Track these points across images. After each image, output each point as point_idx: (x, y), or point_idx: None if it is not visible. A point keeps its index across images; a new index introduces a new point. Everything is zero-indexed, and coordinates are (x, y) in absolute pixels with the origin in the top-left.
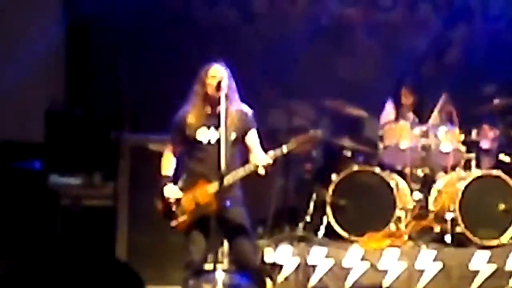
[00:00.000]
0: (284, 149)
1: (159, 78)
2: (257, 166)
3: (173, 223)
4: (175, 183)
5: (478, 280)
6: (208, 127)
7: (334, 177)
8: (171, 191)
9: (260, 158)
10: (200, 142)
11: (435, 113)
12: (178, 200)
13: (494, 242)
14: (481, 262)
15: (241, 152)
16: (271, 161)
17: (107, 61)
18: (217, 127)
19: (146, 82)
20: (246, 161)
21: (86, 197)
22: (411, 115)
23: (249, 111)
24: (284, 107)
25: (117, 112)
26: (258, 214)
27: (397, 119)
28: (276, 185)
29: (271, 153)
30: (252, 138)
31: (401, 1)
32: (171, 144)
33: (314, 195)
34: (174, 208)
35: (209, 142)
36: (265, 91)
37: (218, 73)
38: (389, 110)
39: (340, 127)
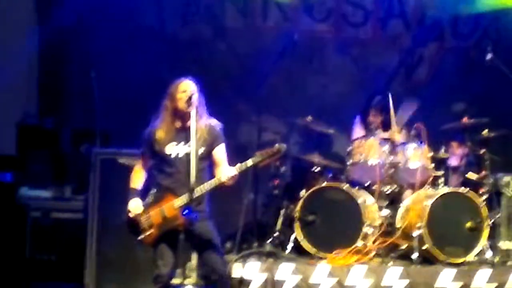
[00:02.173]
0: (250, 162)
1: (131, 93)
2: (222, 181)
3: (140, 236)
4: (145, 197)
5: None
6: (177, 142)
7: (302, 193)
8: (133, 206)
9: (225, 172)
10: (169, 156)
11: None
12: (144, 214)
13: (461, 260)
14: (447, 280)
15: (210, 167)
16: (236, 174)
17: (80, 75)
18: (186, 141)
19: (118, 96)
20: (214, 175)
21: (56, 210)
22: (380, 132)
23: (218, 125)
24: (254, 122)
25: (88, 126)
26: (226, 229)
27: (366, 136)
28: (245, 200)
29: (237, 166)
30: (219, 153)
31: (371, 17)
32: (141, 159)
33: (282, 211)
34: (138, 222)
35: (177, 156)
36: (236, 106)
37: (188, 87)
38: (358, 127)
39: (309, 143)
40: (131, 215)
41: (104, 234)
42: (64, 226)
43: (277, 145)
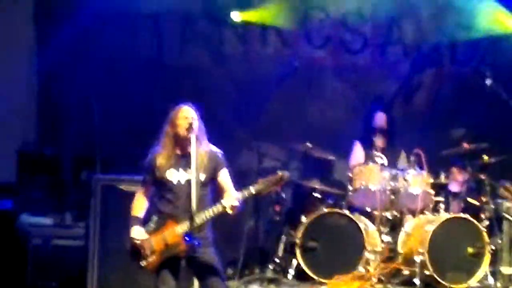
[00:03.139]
0: (252, 190)
1: (131, 120)
2: (225, 207)
3: (143, 263)
4: (146, 224)
5: None
6: (178, 168)
7: (303, 218)
8: (137, 233)
9: (230, 199)
10: (170, 183)
11: (403, 156)
12: (146, 241)
13: (463, 286)
14: None
15: (212, 193)
16: (238, 203)
17: (80, 102)
18: (186, 168)
19: (118, 123)
20: (217, 201)
21: (57, 237)
22: (381, 157)
23: (218, 151)
24: (254, 148)
25: (88, 152)
26: (228, 255)
27: (366, 161)
28: (247, 226)
29: (239, 194)
30: (224, 178)
31: (370, 44)
32: (143, 186)
33: (283, 237)
34: (141, 250)
35: (178, 183)
36: (236, 133)
37: (188, 114)
38: (357, 153)
39: (310, 169)
40: (134, 243)
41: (105, 261)
42: (65, 253)
43: (280, 172)
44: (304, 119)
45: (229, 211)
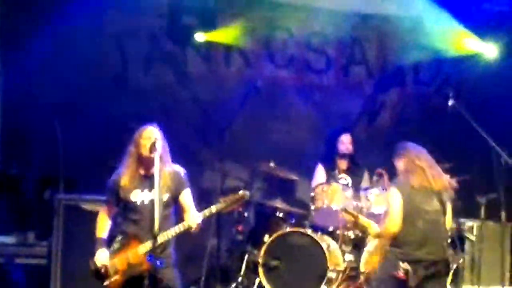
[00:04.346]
0: (213, 209)
1: (95, 139)
2: (189, 227)
3: (106, 282)
4: (110, 243)
5: None
6: (142, 189)
7: (266, 238)
8: (100, 258)
9: (192, 219)
10: (134, 204)
11: (366, 175)
12: (110, 261)
13: None
14: None
15: (175, 213)
16: (200, 222)
17: (44, 122)
18: (150, 188)
19: (82, 143)
20: (180, 220)
21: (20, 256)
22: (344, 178)
23: (182, 171)
24: (217, 168)
25: (52, 172)
26: (190, 274)
27: (328, 181)
28: (209, 245)
29: (201, 213)
30: (186, 198)
31: (334, 64)
32: (106, 206)
33: (246, 256)
34: (104, 271)
35: (142, 203)
36: (200, 152)
37: (152, 134)
38: (320, 173)
39: (273, 189)
40: (98, 265)
41: (68, 280)
42: (28, 272)
43: (241, 191)
44: (268, 139)
45: (192, 229)
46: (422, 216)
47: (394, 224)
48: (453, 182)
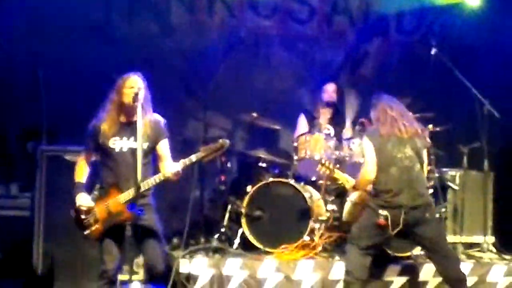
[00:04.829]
0: (193, 158)
1: (78, 90)
2: (166, 176)
3: (86, 231)
4: (89, 192)
5: None
6: (121, 137)
7: (249, 188)
8: (82, 200)
9: (167, 168)
10: (112, 151)
11: (348, 125)
12: (91, 209)
13: (406, 254)
14: (394, 274)
15: (154, 161)
16: (179, 170)
17: (26, 74)
18: (130, 136)
19: (65, 95)
20: (156, 169)
21: (3, 208)
22: (327, 127)
23: (161, 121)
24: (200, 118)
25: (35, 123)
26: (173, 225)
27: (311, 131)
28: (192, 196)
29: (181, 162)
30: (163, 148)
31: (317, 14)
32: (85, 151)
33: (229, 206)
34: (86, 217)
35: (121, 151)
36: (182, 103)
37: (135, 83)
38: (302, 123)
39: (255, 139)
40: (83, 208)
41: (51, 231)
42: (11, 224)
43: (220, 140)
44: (251, 89)
45: (171, 177)
46: (395, 163)
47: (368, 171)
48: (425, 129)
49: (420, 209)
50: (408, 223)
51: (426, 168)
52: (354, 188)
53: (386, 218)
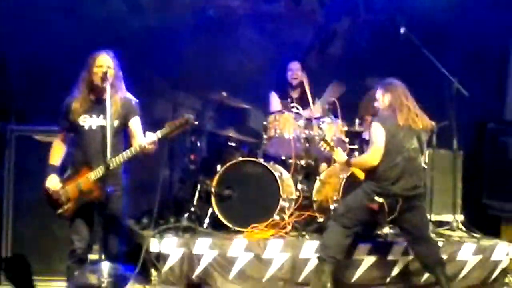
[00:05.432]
0: (159, 134)
1: (47, 70)
2: (142, 146)
3: (59, 210)
4: (63, 172)
5: (361, 269)
6: (91, 114)
7: (218, 167)
8: (51, 182)
9: (144, 138)
10: (82, 129)
11: (318, 104)
12: (61, 188)
13: (377, 232)
14: (364, 252)
15: (125, 139)
16: (156, 140)
17: None
18: (98, 114)
19: (34, 74)
20: (128, 147)
21: None
22: (296, 107)
23: (133, 99)
24: (169, 98)
25: (3, 103)
26: (143, 205)
27: (281, 110)
28: (161, 176)
29: (148, 138)
30: (135, 125)
31: None
32: (60, 131)
33: (199, 186)
34: (56, 198)
35: (90, 129)
36: (151, 83)
37: (105, 62)
38: (275, 100)
39: (225, 118)
40: (49, 192)
41: (20, 212)
42: None
43: (185, 115)
44: (220, 68)
45: (147, 149)
46: (402, 153)
47: (375, 157)
48: (433, 123)
49: (415, 199)
50: (402, 211)
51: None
52: (349, 165)
53: (381, 205)
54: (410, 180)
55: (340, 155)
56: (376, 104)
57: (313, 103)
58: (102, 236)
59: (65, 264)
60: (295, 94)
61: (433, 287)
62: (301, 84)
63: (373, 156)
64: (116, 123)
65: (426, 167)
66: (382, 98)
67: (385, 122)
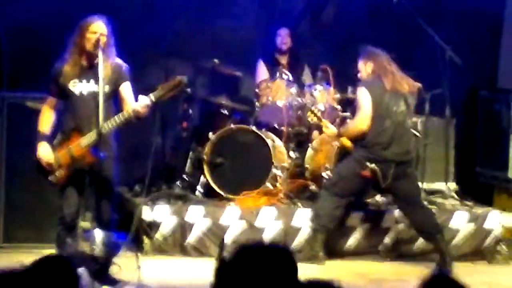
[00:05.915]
0: (152, 97)
1: (39, 35)
2: (135, 110)
3: (51, 177)
4: (53, 138)
5: (354, 237)
6: (82, 80)
7: (211, 135)
8: (43, 152)
9: (132, 105)
10: (72, 94)
11: (307, 72)
12: (50, 162)
13: (369, 200)
14: (356, 220)
15: (115, 104)
16: (149, 103)
17: None
18: (90, 79)
19: (25, 41)
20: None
21: None
22: (285, 74)
23: (123, 64)
24: (161, 65)
25: None
26: (135, 173)
27: (272, 77)
28: (153, 143)
29: (140, 101)
30: (125, 90)
31: None
32: (50, 96)
33: (191, 153)
34: (47, 166)
35: (81, 94)
36: (143, 49)
37: (99, 29)
38: (262, 69)
39: (217, 86)
40: (41, 161)
41: (12, 180)
42: None
43: (178, 76)
44: (212, 35)
45: (140, 112)
46: (390, 117)
47: (364, 122)
48: (418, 85)
49: (406, 165)
50: (395, 178)
51: None
52: (339, 135)
53: (373, 171)
54: (401, 144)
55: (329, 128)
56: (359, 75)
57: (303, 70)
58: (94, 204)
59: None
60: (283, 60)
61: (425, 255)
62: (289, 50)
63: (361, 121)
64: (107, 88)
65: (419, 135)
66: (364, 67)
67: (371, 87)
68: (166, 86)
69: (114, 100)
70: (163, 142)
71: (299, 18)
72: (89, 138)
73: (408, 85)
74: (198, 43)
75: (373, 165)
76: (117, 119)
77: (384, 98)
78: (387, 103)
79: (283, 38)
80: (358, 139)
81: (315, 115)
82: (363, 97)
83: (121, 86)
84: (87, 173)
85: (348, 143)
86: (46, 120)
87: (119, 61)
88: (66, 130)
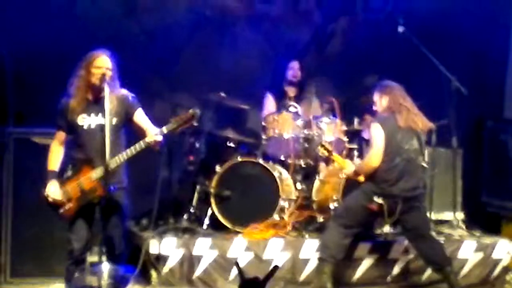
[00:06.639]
0: (164, 130)
1: (44, 71)
2: (148, 143)
3: (61, 210)
4: (62, 172)
5: (362, 268)
6: (89, 113)
7: (217, 168)
8: (52, 190)
9: (149, 136)
10: (81, 128)
11: (316, 103)
12: (62, 189)
13: (377, 232)
14: (364, 252)
15: (124, 137)
16: (161, 137)
17: None
18: (97, 113)
19: (31, 76)
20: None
21: None
22: (294, 106)
23: (130, 95)
24: (167, 99)
25: (1, 105)
26: (142, 206)
27: (278, 110)
28: (160, 176)
29: (159, 130)
30: (140, 117)
31: None
32: (58, 131)
33: (198, 187)
34: (56, 202)
35: (89, 128)
36: (149, 84)
37: (104, 64)
38: (269, 102)
39: (223, 119)
40: (49, 199)
41: (19, 214)
42: None
43: (191, 110)
44: (218, 69)
45: (152, 145)
46: (401, 155)
47: (376, 159)
48: (431, 125)
49: (414, 200)
50: (402, 212)
51: None
52: (356, 173)
53: (380, 205)
54: (409, 181)
55: (339, 160)
56: (374, 108)
57: (311, 103)
58: (104, 237)
59: (64, 265)
60: (292, 93)
61: (434, 285)
62: (299, 83)
63: (374, 158)
64: (114, 120)
65: (426, 166)
66: (380, 101)
67: (385, 123)
68: (179, 119)
69: (124, 131)
70: (170, 175)
71: (304, 50)
72: (99, 171)
73: (421, 123)
74: (203, 76)
75: (380, 200)
76: (129, 152)
77: (396, 136)
78: (399, 140)
79: (295, 72)
80: (369, 174)
81: (326, 149)
82: (377, 133)
83: (134, 115)
84: (97, 206)
85: (361, 178)
86: (55, 157)
87: (124, 91)
88: (76, 163)
